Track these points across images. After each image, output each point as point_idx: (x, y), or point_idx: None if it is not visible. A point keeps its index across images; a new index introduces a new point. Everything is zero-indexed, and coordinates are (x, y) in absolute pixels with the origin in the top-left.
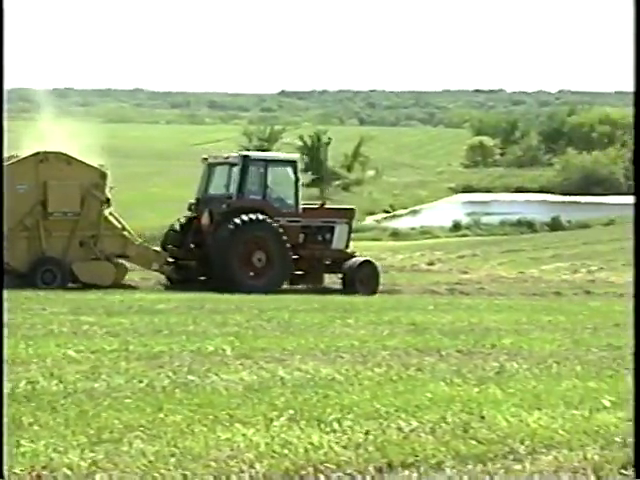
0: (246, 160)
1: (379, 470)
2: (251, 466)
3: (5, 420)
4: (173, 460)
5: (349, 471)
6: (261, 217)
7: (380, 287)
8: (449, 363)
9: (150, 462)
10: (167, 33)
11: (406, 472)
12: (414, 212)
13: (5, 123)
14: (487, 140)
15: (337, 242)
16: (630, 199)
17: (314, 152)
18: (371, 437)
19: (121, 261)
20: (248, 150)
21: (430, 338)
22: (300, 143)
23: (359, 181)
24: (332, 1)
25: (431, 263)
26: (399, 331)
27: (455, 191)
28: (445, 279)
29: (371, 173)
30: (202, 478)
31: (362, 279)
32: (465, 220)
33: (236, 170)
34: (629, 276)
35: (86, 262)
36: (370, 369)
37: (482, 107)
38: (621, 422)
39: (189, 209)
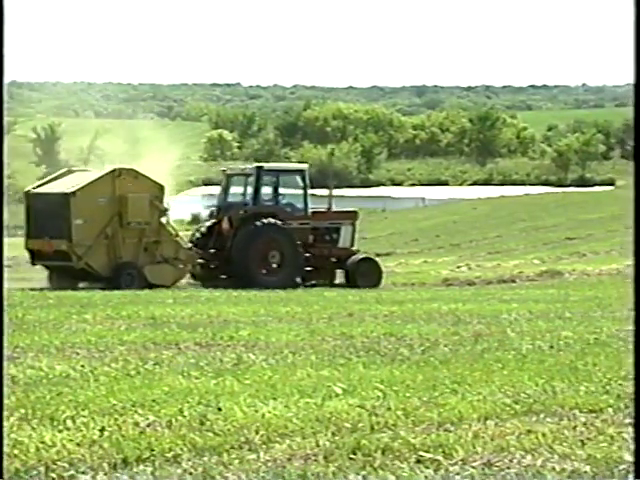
0: (260, 171)
1: (113, 466)
2: None
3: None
4: None
5: (82, 469)
6: (275, 221)
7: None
8: (187, 356)
9: None
10: None
11: (141, 467)
12: None
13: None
14: (225, 134)
15: (343, 241)
16: (364, 192)
17: (48, 144)
18: (107, 433)
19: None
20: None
21: (169, 332)
22: (34, 135)
23: None
24: None
25: None
26: (137, 325)
27: (194, 184)
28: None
29: (109, 167)
30: None
31: (363, 273)
32: (204, 213)
33: (251, 180)
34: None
35: (154, 265)
36: (107, 364)
37: (219, 101)
38: (352, 409)
39: (210, 216)
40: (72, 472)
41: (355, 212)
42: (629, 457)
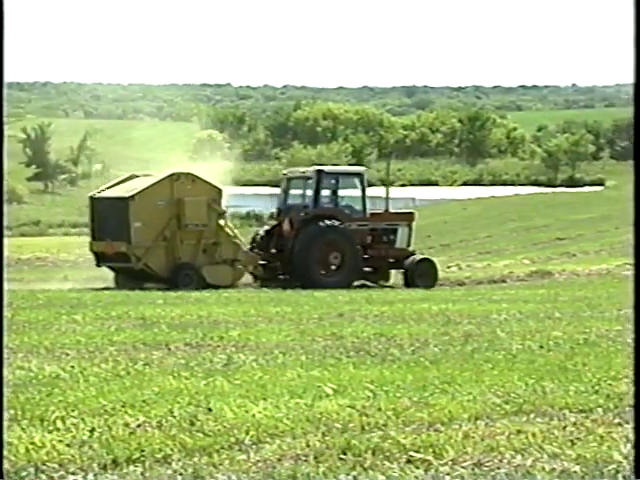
0: (320, 174)
1: (103, 467)
2: None
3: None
4: None
5: (72, 469)
6: (335, 223)
7: None
8: (177, 357)
9: None
10: None
11: (131, 467)
12: None
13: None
14: (215, 134)
15: (400, 242)
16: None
17: (38, 145)
18: (96, 434)
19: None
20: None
21: (159, 332)
22: (23, 136)
23: (86, 175)
24: None
25: None
26: (127, 326)
27: None
28: None
29: (98, 167)
30: None
31: (421, 274)
32: None
33: (311, 182)
34: None
35: (212, 266)
36: (97, 365)
37: (209, 101)
38: (342, 409)
39: (271, 217)
40: (62, 473)
41: (412, 213)
42: (619, 457)
